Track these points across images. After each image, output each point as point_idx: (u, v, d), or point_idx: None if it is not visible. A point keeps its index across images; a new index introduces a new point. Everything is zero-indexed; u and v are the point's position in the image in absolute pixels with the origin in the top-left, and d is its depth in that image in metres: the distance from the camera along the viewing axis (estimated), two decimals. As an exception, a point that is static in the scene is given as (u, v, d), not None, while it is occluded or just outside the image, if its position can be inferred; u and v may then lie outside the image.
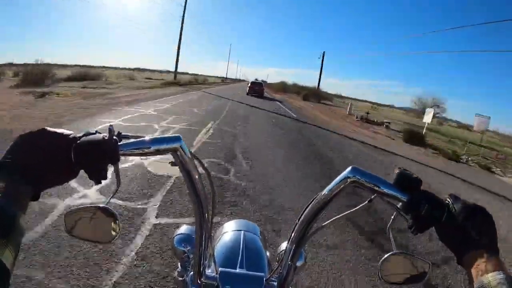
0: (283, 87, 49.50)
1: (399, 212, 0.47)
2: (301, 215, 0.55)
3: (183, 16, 24.73)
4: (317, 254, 2.33)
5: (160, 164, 3.61)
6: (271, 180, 3.85)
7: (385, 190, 0.46)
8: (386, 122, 16.35)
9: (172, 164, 0.51)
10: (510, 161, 11.60)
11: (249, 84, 24.89)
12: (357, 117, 17.45)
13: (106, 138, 0.44)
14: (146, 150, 0.47)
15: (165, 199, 2.83)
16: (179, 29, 25.63)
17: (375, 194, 0.48)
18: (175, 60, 28.16)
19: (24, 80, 11.98)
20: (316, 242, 2.46)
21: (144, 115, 7.15)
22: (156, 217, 2.48)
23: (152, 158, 3.68)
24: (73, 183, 2.73)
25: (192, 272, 0.64)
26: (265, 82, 43.70)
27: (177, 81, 25.76)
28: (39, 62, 15.49)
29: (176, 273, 0.77)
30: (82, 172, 0.45)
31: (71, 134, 0.45)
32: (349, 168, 0.48)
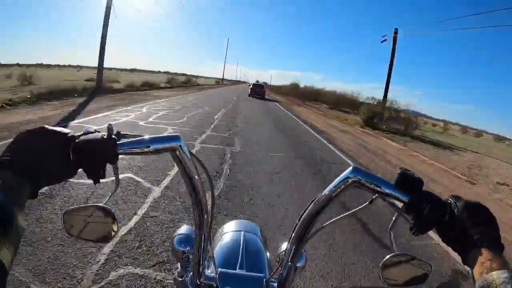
0: (295, 92, 37.87)
1: (401, 213, 0.47)
2: (302, 215, 0.54)
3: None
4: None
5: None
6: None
7: (386, 191, 0.46)
8: None
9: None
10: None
11: (251, 86, 25.50)
12: None
13: (105, 137, 0.44)
14: (145, 149, 0.47)
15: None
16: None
17: (376, 195, 0.47)
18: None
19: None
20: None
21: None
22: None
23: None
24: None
25: (191, 273, 0.64)
26: (266, 83, 41.76)
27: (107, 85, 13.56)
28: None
29: (176, 274, 0.77)
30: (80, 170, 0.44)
31: (69, 133, 0.45)
32: (350, 168, 0.48)
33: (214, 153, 4.85)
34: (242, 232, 0.85)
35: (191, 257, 0.75)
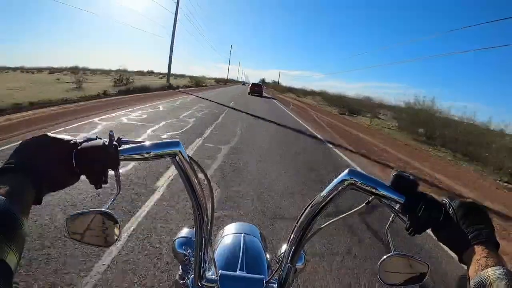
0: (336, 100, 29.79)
1: (397, 214, 0.48)
2: (300, 217, 0.55)
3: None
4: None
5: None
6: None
7: (382, 192, 0.47)
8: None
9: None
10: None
11: (250, 85, 31.67)
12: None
13: (107, 143, 0.45)
14: (146, 155, 0.48)
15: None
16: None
17: (372, 196, 0.48)
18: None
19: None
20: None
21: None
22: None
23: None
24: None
25: (193, 275, 0.65)
26: (263, 81, 48.17)
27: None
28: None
29: (177, 276, 0.78)
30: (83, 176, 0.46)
31: (72, 140, 0.46)
32: (346, 171, 0.48)
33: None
34: (242, 235, 0.86)
35: (192, 259, 0.76)
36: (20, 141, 0.44)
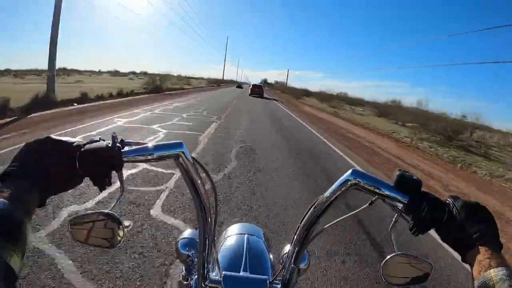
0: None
1: (401, 214, 0.48)
2: (303, 218, 0.55)
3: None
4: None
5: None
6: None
7: (386, 192, 0.46)
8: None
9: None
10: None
11: (251, 86, 30.49)
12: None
13: (110, 145, 0.45)
14: (149, 157, 0.48)
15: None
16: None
17: (376, 196, 0.48)
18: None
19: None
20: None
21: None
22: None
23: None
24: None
25: (196, 276, 0.65)
26: (263, 83, 44.21)
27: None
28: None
29: (180, 277, 0.78)
30: (87, 178, 0.46)
31: (75, 142, 0.46)
32: (349, 171, 0.48)
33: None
34: (246, 235, 0.86)
35: (195, 260, 0.76)
36: (24, 143, 0.44)
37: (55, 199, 2.59)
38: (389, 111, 25.51)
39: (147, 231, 2.37)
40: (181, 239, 0.83)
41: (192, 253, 0.78)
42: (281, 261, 0.73)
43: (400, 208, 0.47)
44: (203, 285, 0.62)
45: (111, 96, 12.28)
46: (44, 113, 7.03)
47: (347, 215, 0.54)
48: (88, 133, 5.34)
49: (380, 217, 3.07)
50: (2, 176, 0.40)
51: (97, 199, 2.75)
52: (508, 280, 0.36)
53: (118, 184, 0.52)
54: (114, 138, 0.46)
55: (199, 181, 0.52)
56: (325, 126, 11.86)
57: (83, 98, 9.98)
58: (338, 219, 0.55)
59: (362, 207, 0.52)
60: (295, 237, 0.57)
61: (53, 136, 0.46)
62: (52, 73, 9.54)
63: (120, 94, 13.02)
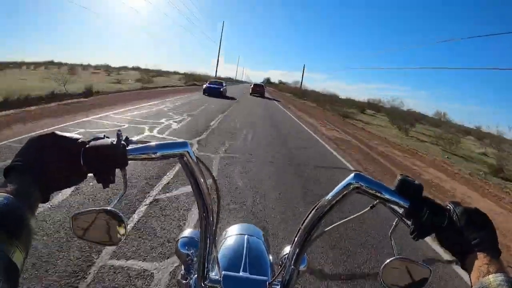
0: None
1: (401, 218, 0.48)
2: (304, 220, 0.55)
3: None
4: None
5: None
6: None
7: (387, 197, 0.47)
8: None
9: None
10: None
11: (252, 86, 29.96)
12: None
13: (115, 142, 0.45)
14: (153, 155, 0.48)
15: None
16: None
17: (377, 200, 0.48)
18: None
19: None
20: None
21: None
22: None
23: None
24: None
25: (196, 276, 0.65)
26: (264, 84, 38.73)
27: None
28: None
29: (180, 276, 0.78)
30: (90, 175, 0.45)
31: (80, 139, 0.46)
32: (352, 175, 0.49)
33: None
34: (246, 236, 0.86)
35: (195, 259, 0.76)
36: (28, 139, 0.44)
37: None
38: (408, 119, 19.70)
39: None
40: (181, 238, 0.83)
41: (192, 253, 0.78)
42: (280, 262, 0.73)
43: (401, 212, 0.48)
44: (202, 284, 0.62)
45: None
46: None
47: (348, 218, 0.55)
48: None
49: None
50: (6, 171, 0.40)
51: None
52: (506, 286, 0.36)
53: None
54: (119, 135, 0.47)
55: (202, 181, 0.53)
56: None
57: None
58: (339, 222, 0.55)
59: (363, 211, 0.52)
60: (296, 238, 0.57)
61: (57, 132, 0.46)
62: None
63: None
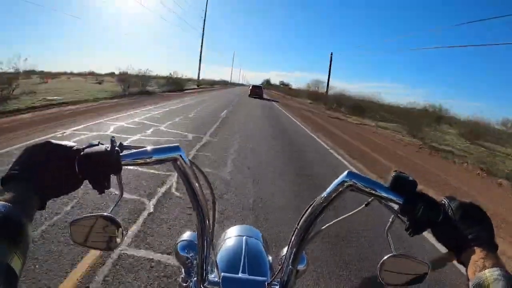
0: None
1: (396, 214, 0.48)
2: (300, 219, 0.55)
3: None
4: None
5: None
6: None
7: (382, 193, 0.47)
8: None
9: None
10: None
11: (250, 87, 30.09)
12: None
13: (109, 149, 0.46)
14: (148, 160, 0.48)
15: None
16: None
17: (372, 198, 0.49)
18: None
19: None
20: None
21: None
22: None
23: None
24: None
25: (195, 278, 0.65)
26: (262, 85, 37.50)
27: None
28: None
29: (180, 279, 0.78)
30: (86, 182, 0.46)
31: (74, 146, 0.46)
32: (345, 173, 0.49)
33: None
34: (244, 237, 0.86)
35: (194, 262, 0.76)
36: (24, 148, 0.45)
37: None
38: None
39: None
40: (180, 241, 0.83)
41: (191, 255, 0.78)
42: (279, 262, 0.73)
43: (396, 209, 0.48)
44: (202, 286, 0.62)
45: None
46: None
47: (344, 216, 0.55)
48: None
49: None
50: (4, 180, 0.41)
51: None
52: (503, 280, 0.36)
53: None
54: (112, 142, 0.47)
55: (196, 184, 0.53)
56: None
57: None
58: (335, 220, 0.56)
59: (358, 209, 0.53)
60: (293, 238, 0.57)
61: (52, 140, 0.46)
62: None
63: None
